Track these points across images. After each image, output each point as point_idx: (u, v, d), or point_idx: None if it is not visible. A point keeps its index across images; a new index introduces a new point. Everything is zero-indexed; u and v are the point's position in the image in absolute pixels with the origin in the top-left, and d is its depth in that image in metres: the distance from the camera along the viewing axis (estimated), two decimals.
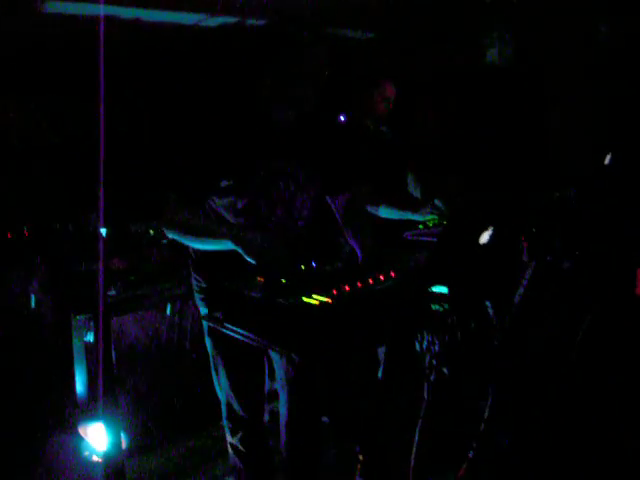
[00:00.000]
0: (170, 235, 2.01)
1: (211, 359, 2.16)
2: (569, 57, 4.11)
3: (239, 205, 1.97)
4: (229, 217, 2.00)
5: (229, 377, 2.11)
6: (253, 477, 2.22)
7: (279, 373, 2.12)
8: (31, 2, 3.62)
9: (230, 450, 2.23)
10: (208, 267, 2.08)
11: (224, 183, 1.94)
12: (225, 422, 2.20)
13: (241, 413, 2.14)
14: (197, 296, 2.15)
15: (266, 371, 2.22)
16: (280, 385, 2.12)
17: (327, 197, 2.24)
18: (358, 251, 2.15)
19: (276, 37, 1.91)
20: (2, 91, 4.63)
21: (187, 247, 2.14)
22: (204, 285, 2.10)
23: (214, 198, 1.99)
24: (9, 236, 3.18)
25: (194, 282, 2.15)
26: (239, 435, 2.18)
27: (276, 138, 1.98)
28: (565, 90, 4.12)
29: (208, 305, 2.09)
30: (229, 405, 2.15)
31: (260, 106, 1.97)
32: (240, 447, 2.19)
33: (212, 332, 2.08)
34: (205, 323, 2.12)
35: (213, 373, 2.18)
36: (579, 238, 2.42)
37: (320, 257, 1.84)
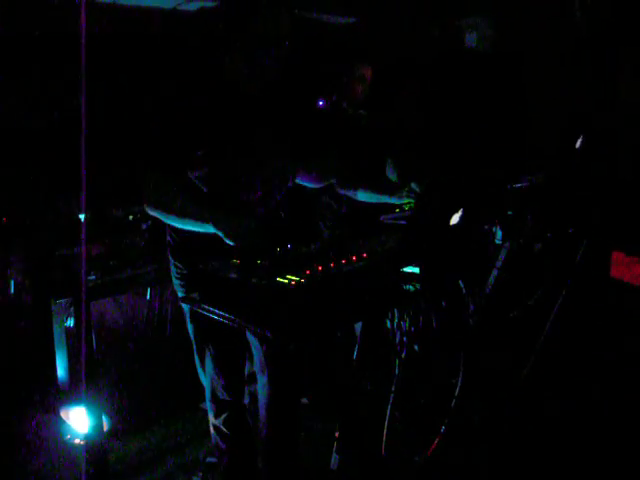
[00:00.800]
0: (151, 213, 2.01)
1: (194, 344, 2.18)
2: (546, 42, 4.15)
3: (214, 176, 1.98)
4: (204, 188, 2.01)
5: (213, 360, 2.13)
6: (236, 457, 2.25)
7: (257, 355, 2.16)
8: None
9: (213, 432, 2.26)
10: (187, 252, 2.08)
11: (198, 154, 1.95)
12: (208, 404, 2.23)
13: (224, 395, 2.17)
14: (176, 282, 2.17)
15: (246, 353, 2.25)
16: (259, 367, 2.16)
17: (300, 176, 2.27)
18: None
19: (235, 5, 1.93)
20: None
21: (165, 233, 2.15)
22: (185, 271, 2.11)
23: (190, 171, 1.99)
24: None
25: (173, 268, 2.16)
26: (223, 417, 2.20)
27: (245, 108, 2.00)
28: (542, 74, 4.16)
29: (189, 291, 2.08)
30: (213, 387, 2.18)
31: (228, 75, 2.00)
32: (223, 428, 2.22)
33: (194, 317, 2.10)
34: (187, 308, 2.14)
35: (196, 357, 2.20)
36: (552, 220, 2.47)
37: (298, 240, 1.86)
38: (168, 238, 2.15)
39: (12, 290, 2.93)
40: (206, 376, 2.19)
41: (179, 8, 4.01)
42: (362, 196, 2.89)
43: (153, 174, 1.98)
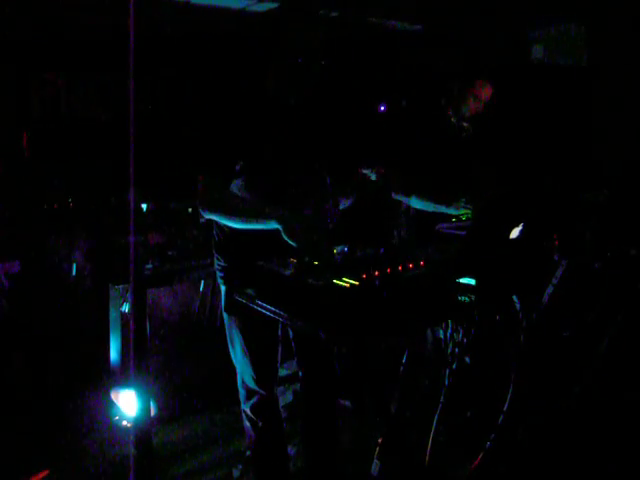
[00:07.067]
0: (208, 216, 2.05)
1: (227, 332, 2.23)
2: (619, 56, 4.03)
3: (254, 185, 2.03)
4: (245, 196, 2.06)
5: (243, 350, 2.17)
6: (264, 446, 2.26)
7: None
8: None
9: (244, 416, 2.29)
10: (229, 248, 2.14)
11: (238, 166, 2.00)
12: (239, 389, 2.27)
13: (252, 384, 2.20)
14: (218, 274, 2.23)
15: (279, 347, 2.27)
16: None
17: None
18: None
19: (272, 24, 2.00)
20: (54, 67, 4.81)
21: (213, 228, 2.20)
22: (223, 264, 2.17)
23: (232, 180, 2.04)
24: (55, 207, 3.33)
25: (215, 261, 2.22)
26: (250, 403, 2.23)
27: (282, 121, 2.04)
28: (612, 89, 4.04)
29: (226, 283, 2.15)
30: (242, 375, 2.23)
31: (269, 89, 2.06)
32: (251, 414, 2.24)
33: (228, 308, 2.15)
34: (223, 299, 2.19)
35: (229, 344, 2.25)
36: (612, 239, 2.40)
37: (359, 241, 1.87)
38: (214, 233, 2.20)
39: (74, 273, 3.06)
40: (237, 363, 2.23)
41: (248, 9, 4.09)
42: (417, 203, 2.86)
43: (203, 179, 2.03)
